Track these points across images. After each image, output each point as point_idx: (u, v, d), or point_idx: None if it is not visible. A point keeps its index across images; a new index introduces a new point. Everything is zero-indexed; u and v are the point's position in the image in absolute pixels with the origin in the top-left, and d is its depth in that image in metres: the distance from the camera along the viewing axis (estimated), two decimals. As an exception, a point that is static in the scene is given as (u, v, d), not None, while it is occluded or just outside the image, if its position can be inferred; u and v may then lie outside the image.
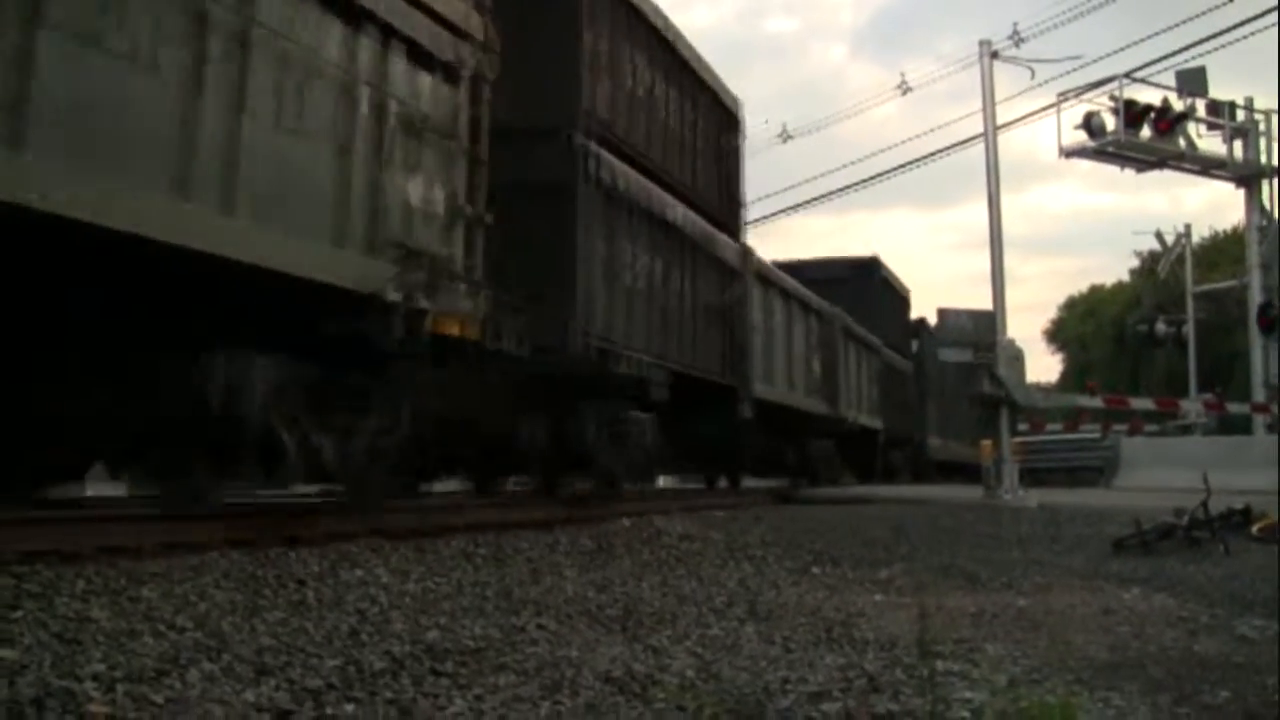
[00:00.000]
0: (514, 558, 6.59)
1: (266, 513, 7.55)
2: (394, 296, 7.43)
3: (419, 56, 7.93)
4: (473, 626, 4.37)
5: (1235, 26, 22.55)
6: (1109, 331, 57.92)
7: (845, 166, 66.56)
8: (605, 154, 11.33)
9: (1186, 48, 23.63)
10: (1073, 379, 60.20)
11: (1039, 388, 31.48)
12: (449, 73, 8.32)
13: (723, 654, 4.15)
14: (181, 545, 5.68)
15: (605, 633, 4.51)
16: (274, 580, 5.05)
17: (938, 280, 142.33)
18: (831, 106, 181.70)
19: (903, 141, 55.75)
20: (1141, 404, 28.44)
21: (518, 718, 3.18)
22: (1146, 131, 24.23)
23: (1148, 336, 37.83)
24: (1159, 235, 38.55)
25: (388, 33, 7.57)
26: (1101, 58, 38.41)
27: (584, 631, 4.49)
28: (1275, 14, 20.54)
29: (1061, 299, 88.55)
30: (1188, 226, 38.02)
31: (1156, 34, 37.06)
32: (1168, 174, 26.79)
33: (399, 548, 6.44)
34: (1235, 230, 39.87)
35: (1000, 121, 21.70)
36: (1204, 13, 25.76)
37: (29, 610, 3.91)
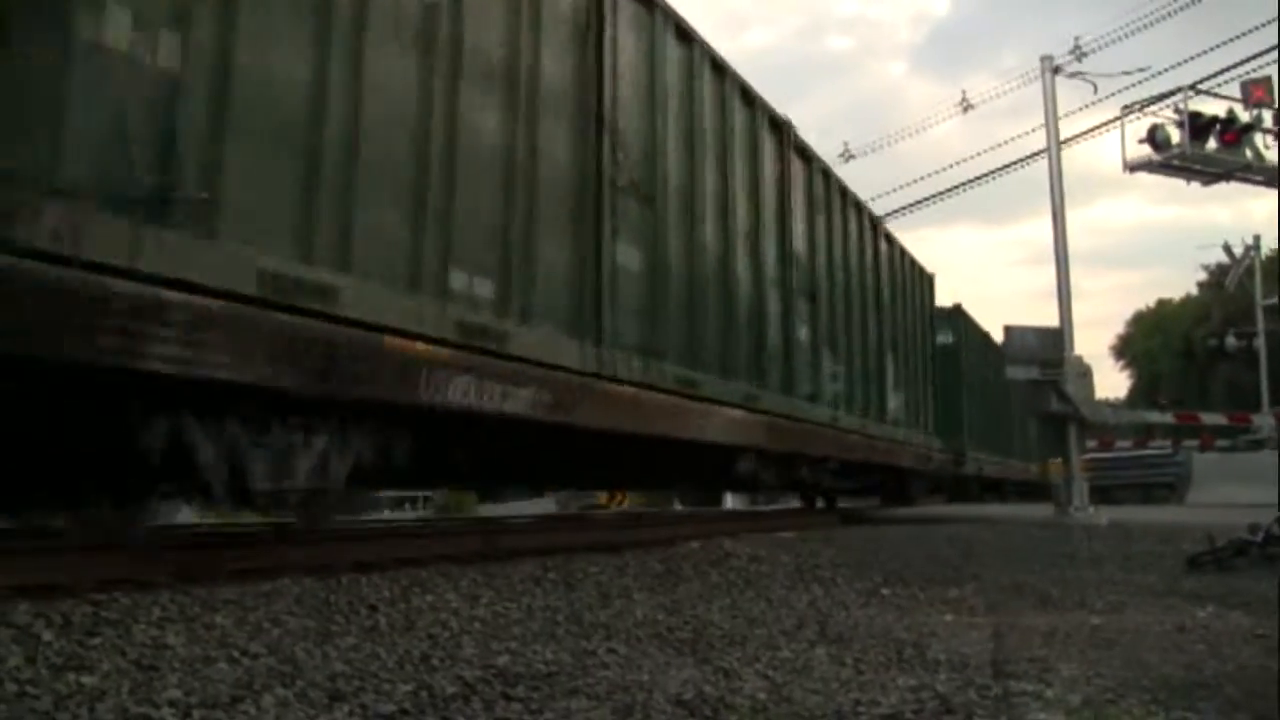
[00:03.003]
0: (583, 581, 6.59)
1: (337, 539, 7.61)
2: None
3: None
4: (544, 651, 4.38)
5: (1302, 35, 22.23)
6: (1177, 346, 57.38)
7: (910, 184, 65.74)
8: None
9: (1252, 58, 23.36)
10: (1141, 394, 59.58)
11: (1107, 404, 31.16)
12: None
13: (794, 676, 4.13)
14: (254, 571, 5.73)
15: (675, 655, 4.50)
16: (346, 606, 5.07)
17: (1002, 297, 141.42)
18: (892, 124, 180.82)
19: (965, 159, 55.22)
20: (1212, 419, 28.14)
21: (590, 741, 3.19)
22: (1212, 143, 24.00)
23: (1218, 350, 37.47)
24: (1227, 248, 38.16)
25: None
26: (1165, 70, 37.87)
27: (654, 654, 4.49)
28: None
29: (1128, 314, 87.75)
30: (1256, 238, 37.59)
31: (1221, 45, 36.57)
32: (1234, 186, 26.51)
33: (468, 572, 6.46)
34: (1305, 242, 39.25)
35: (1063, 136, 21.58)
36: (1269, 22, 25.47)
37: (107, 637, 3.95)
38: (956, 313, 25.54)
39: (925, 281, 21.44)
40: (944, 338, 23.74)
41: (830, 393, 14.24)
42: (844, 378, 14.90)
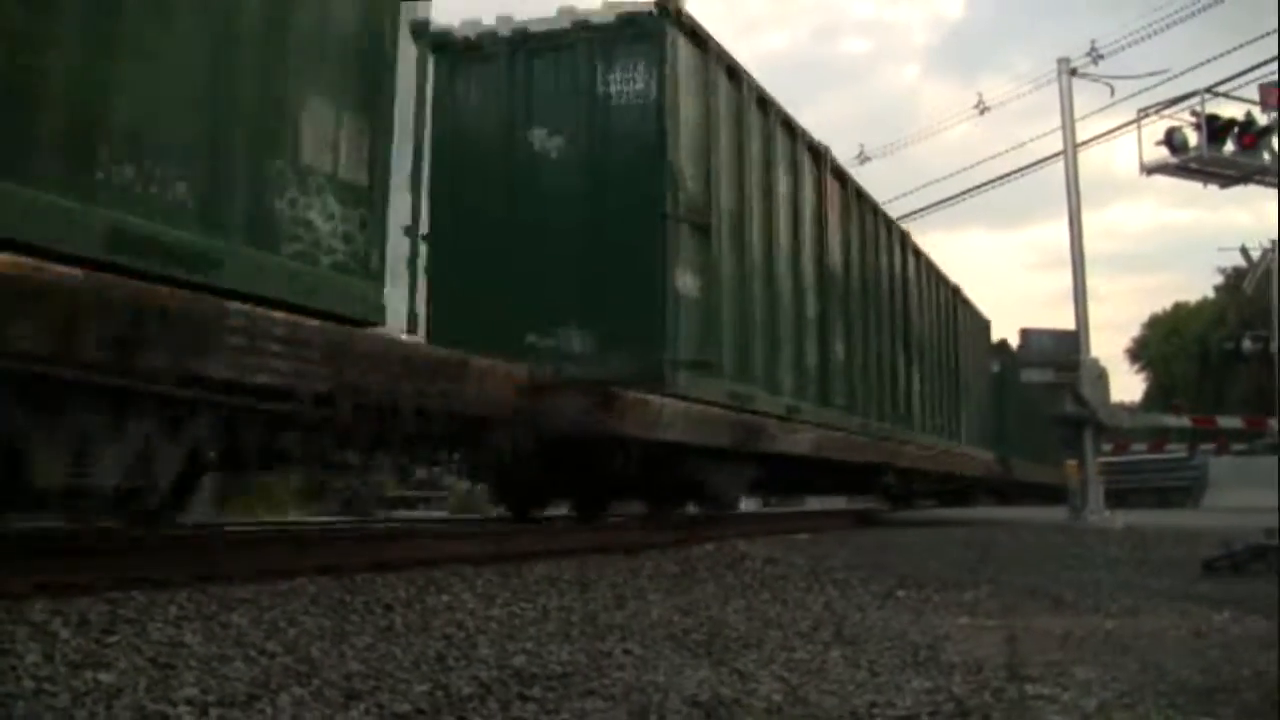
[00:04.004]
0: (598, 583, 6.60)
1: (354, 538, 7.63)
2: None
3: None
4: (559, 651, 4.38)
5: (1320, 38, 22.15)
6: (1193, 349, 57.16)
7: (923, 187, 65.65)
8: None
9: (1269, 61, 23.27)
10: (1156, 398, 59.43)
11: (1123, 407, 31.08)
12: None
13: (809, 678, 4.12)
14: (270, 571, 5.74)
15: (691, 657, 4.50)
16: (361, 606, 5.09)
17: (1016, 301, 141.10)
18: (906, 127, 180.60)
19: (979, 162, 54.19)
20: (1229, 422, 28.01)
21: (606, 742, 3.19)
22: (1230, 146, 23.90)
23: (1234, 354, 37.27)
24: (1245, 251, 37.88)
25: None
26: (1183, 73, 37.74)
27: (670, 656, 4.48)
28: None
29: (1144, 317, 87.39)
30: (1275, 241, 37.31)
31: (1238, 47, 36.44)
32: (1252, 189, 26.40)
33: (484, 573, 6.47)
34: (1324, 245, 39.02)
35: (1079, 139, 21.55)
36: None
37: (124, 635, 3.97)
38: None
39: None
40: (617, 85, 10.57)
41: None
42: None
